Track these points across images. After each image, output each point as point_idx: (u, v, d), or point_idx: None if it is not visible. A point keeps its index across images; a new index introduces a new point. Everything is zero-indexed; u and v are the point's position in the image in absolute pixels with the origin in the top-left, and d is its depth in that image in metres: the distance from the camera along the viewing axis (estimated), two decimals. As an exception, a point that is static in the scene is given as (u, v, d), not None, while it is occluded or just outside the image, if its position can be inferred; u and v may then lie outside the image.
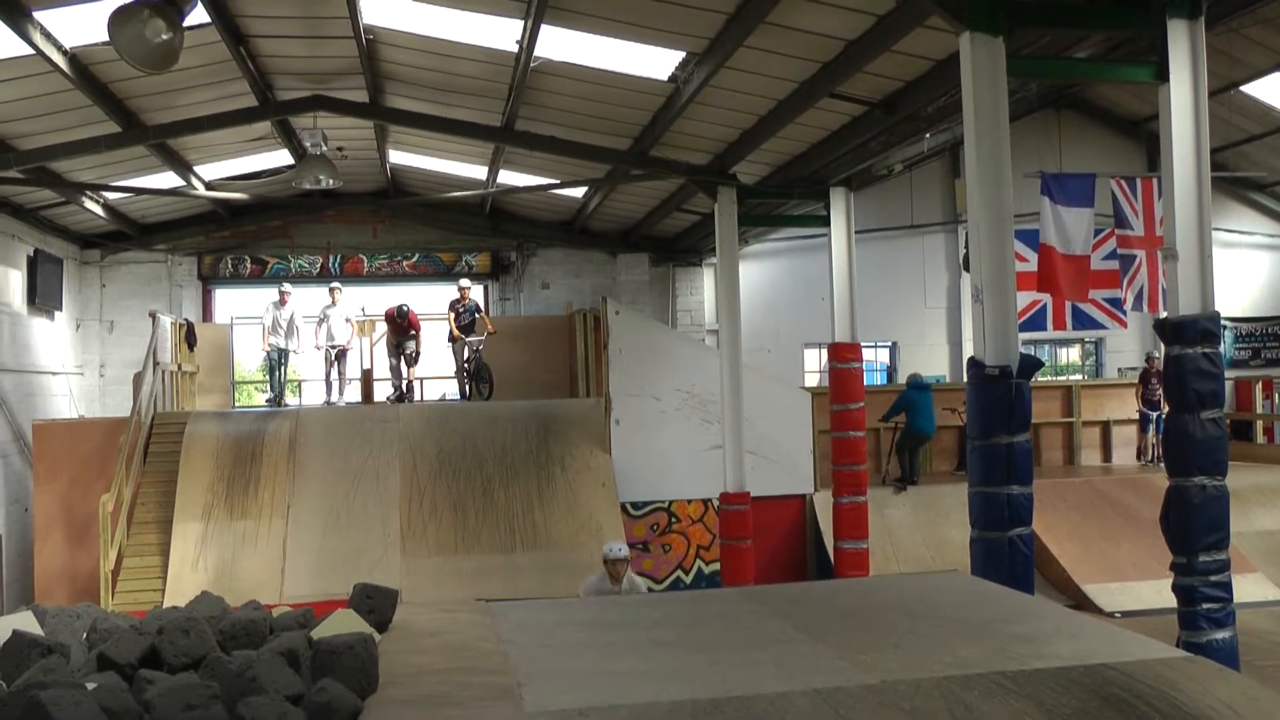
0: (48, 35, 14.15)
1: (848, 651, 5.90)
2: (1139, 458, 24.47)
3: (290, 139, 20.63)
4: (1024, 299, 15.27)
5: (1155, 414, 24.10)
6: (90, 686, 5.57)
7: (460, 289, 23.46)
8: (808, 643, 6.24)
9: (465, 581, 17.22)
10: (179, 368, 22.56)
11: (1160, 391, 23.73)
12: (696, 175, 19.02)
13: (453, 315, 23.03)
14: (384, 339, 23.67)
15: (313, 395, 24.11)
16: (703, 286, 27.75)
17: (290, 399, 23.20)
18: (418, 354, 23.34)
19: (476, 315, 23.27)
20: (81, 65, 15.35)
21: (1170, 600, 10.70)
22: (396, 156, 23.25)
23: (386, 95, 18.68)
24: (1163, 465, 22.24)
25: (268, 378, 23.78)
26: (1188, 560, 10.35)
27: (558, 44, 15.13)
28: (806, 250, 25.94)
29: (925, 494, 21.17)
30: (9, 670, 5.84)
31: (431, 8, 14.71)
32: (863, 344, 19.67)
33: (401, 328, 22.94)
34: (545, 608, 8.67)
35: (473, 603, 8.87)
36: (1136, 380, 24.79)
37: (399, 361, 23.18)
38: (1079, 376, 28.96)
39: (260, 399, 28.57)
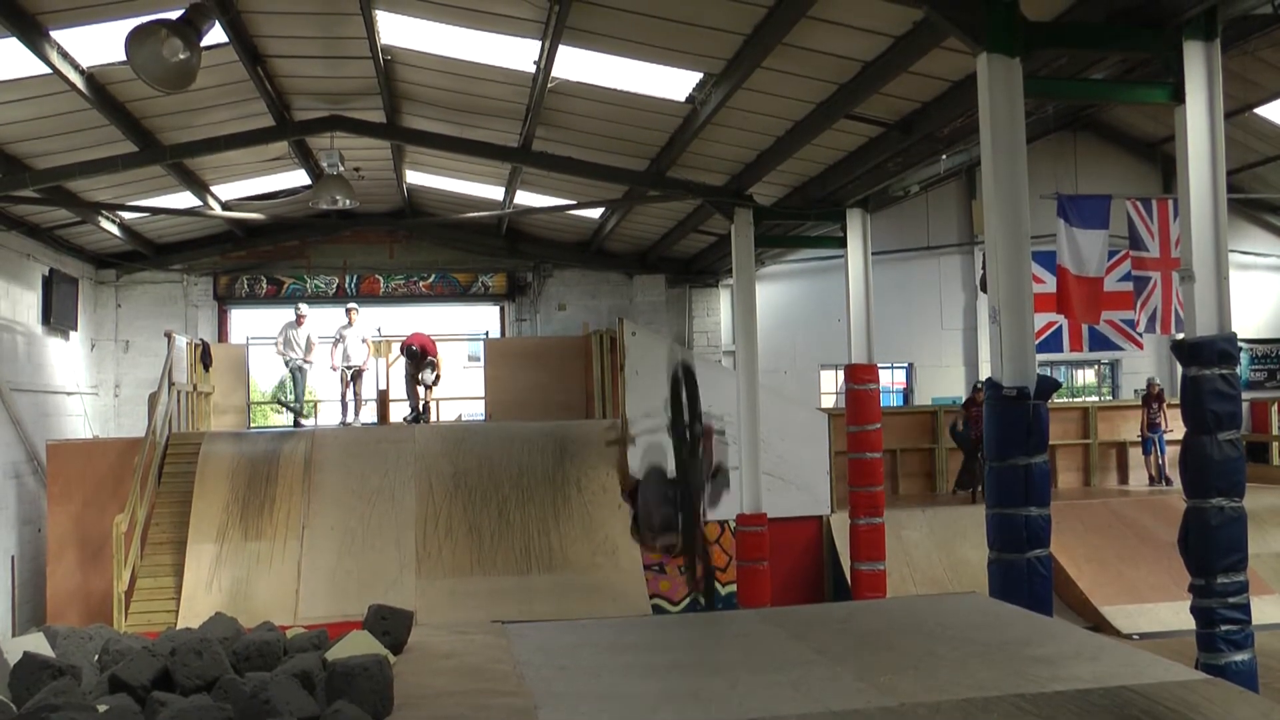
0: (65, 55, 14.17)
1: (866, 674, 5.87)
2: (1151, 482, 24.37)
3: (307, 159, 20.67)
4: (1040, 320, 15.23)
5: (1156, 435, 24.08)
6: (102, 709, 5.56)
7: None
8: (826, 665, 6.21)
9: (481, 603, 17.16)
10: (194, 388, 22.56)
11: (1161, 414, 23.78)
12: (713, 196, 19.02)
13: None
14: (400, 362, 23.65)
15: (329, 415, 24.12)
16: (719, 307, 27.73)
17: (306, 419, 23.19)
18: (437, 379, 23.27)
19: None
20: (98, 84, 15.38)
21: (1188, 622, 10.64)
22: (413, 177, 23.28)
23: (404, 115, 18.72)
24: (1165, 484, 22.43)
25: (293, 388, 23.89)
26: (1206, 582, 10.29)
27: (575, 65, 15.15)
28: (823, 271, 25.92)
29: (942, 515, 21.10)
30: (20, 692, 5.81)
31: (449, 28, 14.75)
32: (879, 365, 19.64)
33: (417, 359, 22.93)
34: (562, 629, 8.64)
35: (488, 624, 8.84)
36: (1140, 404, 24.77)
37: (416, 383, 23.13)
38: (1095, 398, 28.90)
39: (276, 419, 28.69)
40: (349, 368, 23.09)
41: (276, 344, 23.39)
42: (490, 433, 20.91)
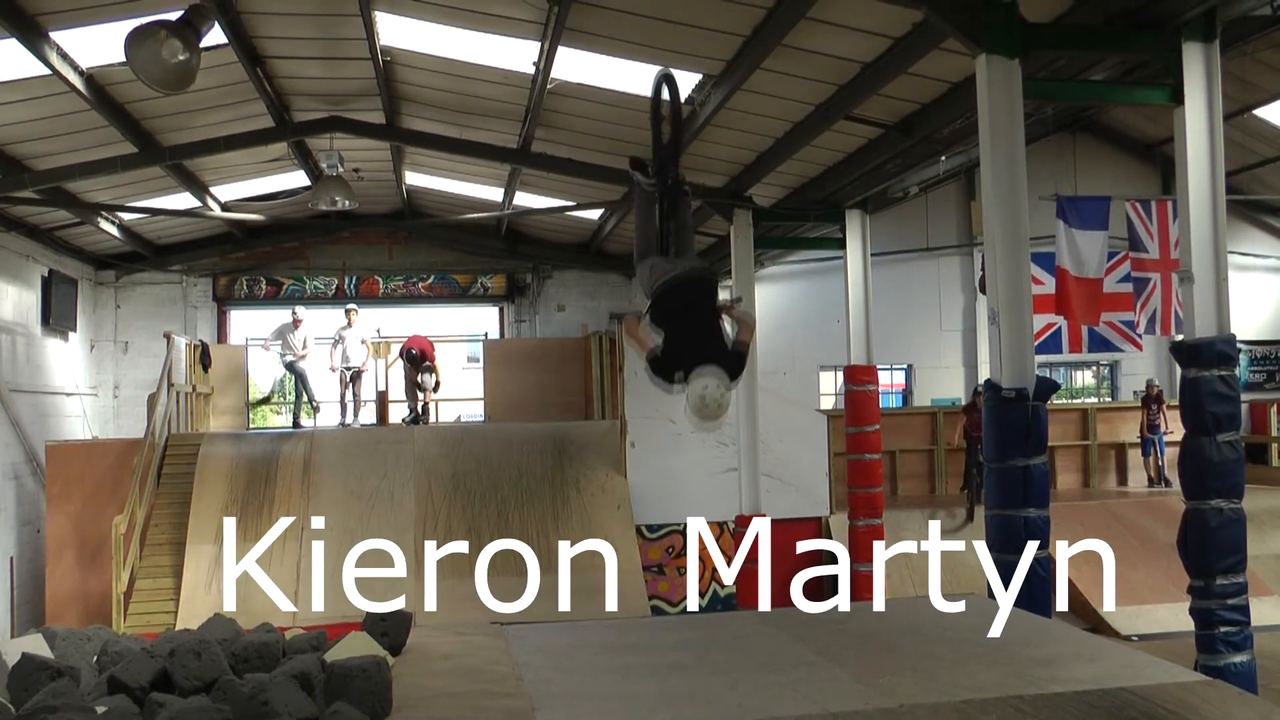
0: (64, 56, 14.16)
1: (865, 675, 5.87)
2: (1150, 484, 24.31)
3: (306, 160, 20.66)
4: (1039, 321, 15.22)
5: (1155, 436, 24.04)
6: (100, 710, 5.56)
7: None
8: (825, 666, 6.21)
9: (479, 604, 17.13)
10: (193, 389, 22.53)
11: (1160, 415, 23.74)
12: (713, 198, 19.00)
13: None
14: (399, 363, 23.62)
15: (328, 416, 24.11)
16: (718, 309, 27.62)
17: (305, 420, 23.16)
18: (438, 385, 23.26)
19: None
20: (98, 85, 15.37)
21: (1187, 623, 10.65)
22: (413, 178, 23.26)
23: (403, 117, 18.71)
24: (1165, 486, 22.40)
25: (294, 388, 23.89)
26: (1205, 583, 10.30)
27: (574, 66, 15.14)
28: (822, 273, 25.88)
29: (941, 517, 21.10)
30: (18, 693, 5.81)
31: (448, 29, 14.74)
32: (878, 367, 19.63)
33: (416, 363, 22.90)
34: (561, 631, 8.63)
35: (487, 626, 8.83)
36: (1139, 405, 24.73)
37: (415, 386, 23.10)
38: (1094, 399, 28.88)
39: (275, 419, 28.65)
40: (348, 369, 23.04)
41: (266, 340, 23.38)
42: (489, 434, 20.87)
